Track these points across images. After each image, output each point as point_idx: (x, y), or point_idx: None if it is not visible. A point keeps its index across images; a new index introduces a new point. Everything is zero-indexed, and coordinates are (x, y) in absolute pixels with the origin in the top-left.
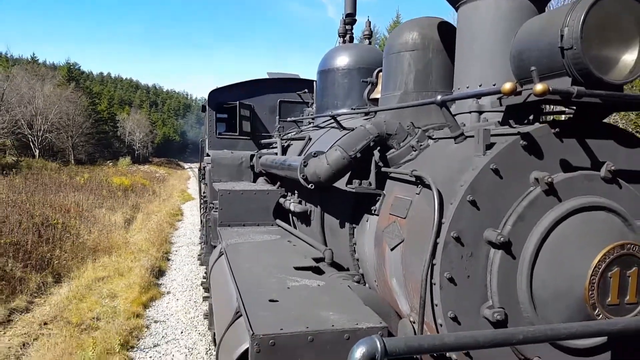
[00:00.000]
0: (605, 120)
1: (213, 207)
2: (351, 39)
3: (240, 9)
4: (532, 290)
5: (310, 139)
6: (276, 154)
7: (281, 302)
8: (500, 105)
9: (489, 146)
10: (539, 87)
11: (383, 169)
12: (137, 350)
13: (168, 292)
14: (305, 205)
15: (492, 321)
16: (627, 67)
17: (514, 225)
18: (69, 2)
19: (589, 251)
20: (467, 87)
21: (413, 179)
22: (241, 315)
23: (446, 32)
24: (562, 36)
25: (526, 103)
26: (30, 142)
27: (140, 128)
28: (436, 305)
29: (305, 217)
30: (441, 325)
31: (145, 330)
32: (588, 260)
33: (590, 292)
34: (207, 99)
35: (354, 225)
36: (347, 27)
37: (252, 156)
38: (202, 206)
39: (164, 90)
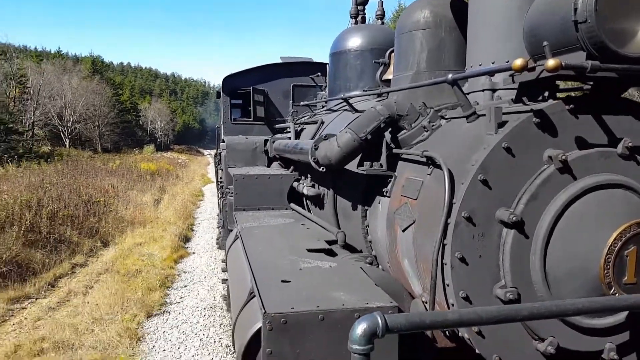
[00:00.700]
0: (622, 95)
1: (229, 192)
2: (363, 20)
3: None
4: (545, 270)
5: (322, 123)
6: (290, 138)
7: (293, 282)
8: (513, 82)
9: (501, 124)
10: (551, 62)
11: (394, 150)
12: (171, 289)
13: (193, 253)
14: (318, 188)
15: (505, 300)
16: None
17: (527, 204)
18: None
19: (605, 230)
20: (480, 65)
21: (424, 160)
22: (255, 295)
23: (458, 9)
24: (575, 9)
25: (539, 80)
26: (61, 133)
27: (161, 117)
28: (447, 285)
29: (318, 201)
30: (453, 305)
31: (177, 277)
32: (604, 239)
33: (605, 271)
34: (221, 85)
35: (366, 207)
36: (358, 7)
37: (266, 141)
38: (219, 191)
39: (182, 78)
